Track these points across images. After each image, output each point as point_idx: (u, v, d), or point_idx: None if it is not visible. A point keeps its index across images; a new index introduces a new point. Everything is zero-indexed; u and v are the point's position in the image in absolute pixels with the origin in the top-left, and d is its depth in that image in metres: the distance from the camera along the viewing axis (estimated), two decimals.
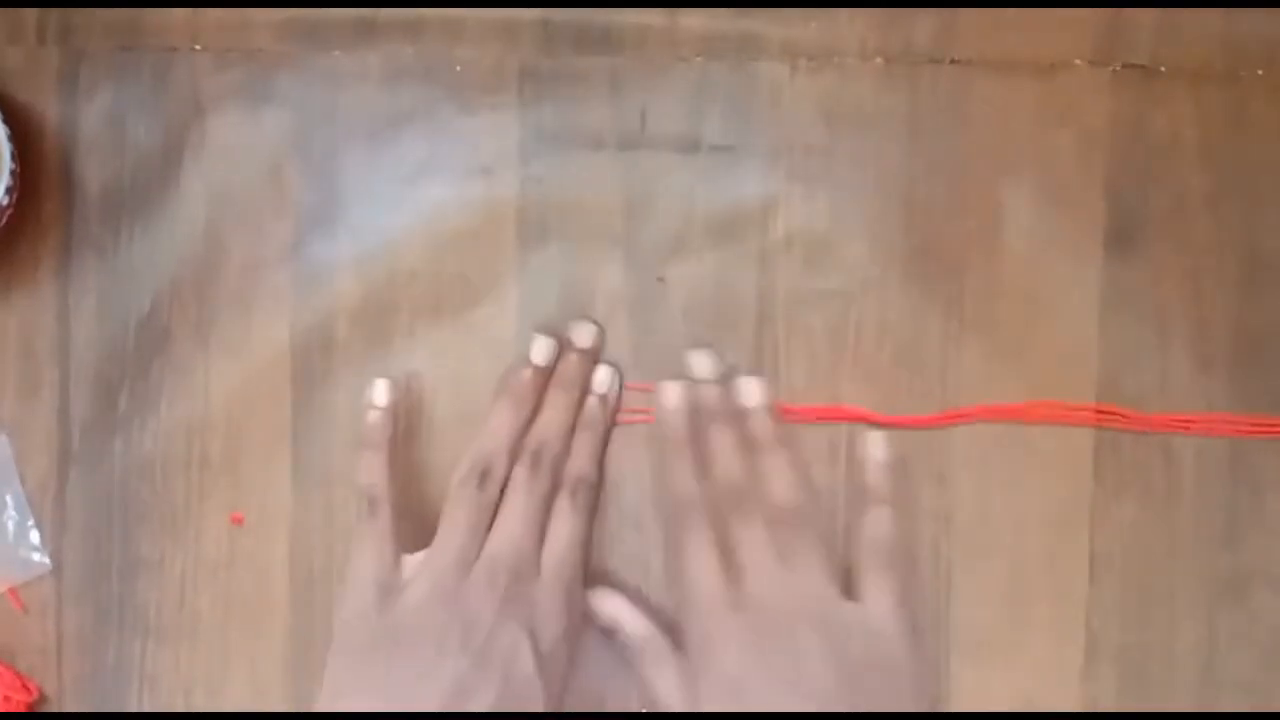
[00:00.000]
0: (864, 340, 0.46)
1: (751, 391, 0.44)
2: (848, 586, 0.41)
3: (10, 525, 0.47)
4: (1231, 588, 0.46)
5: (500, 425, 0.44)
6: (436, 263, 0.46)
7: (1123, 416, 0.45)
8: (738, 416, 0.44)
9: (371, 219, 0.46)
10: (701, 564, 0.41)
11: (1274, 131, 0.45)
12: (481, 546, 0.42)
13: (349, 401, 0.46)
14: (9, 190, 0.44)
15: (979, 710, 0.46)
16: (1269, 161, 0.45)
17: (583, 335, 0.45)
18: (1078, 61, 0.46)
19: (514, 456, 0.43)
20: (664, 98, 0.46)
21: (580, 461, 0.44)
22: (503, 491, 0.43)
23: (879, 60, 0.46)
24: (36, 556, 0.47)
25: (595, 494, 0.45)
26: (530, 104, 0.46)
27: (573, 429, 0.45)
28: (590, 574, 0.46)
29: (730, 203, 0.46)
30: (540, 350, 0.45)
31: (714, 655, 0.40)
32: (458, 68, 0.46)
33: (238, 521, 0.47)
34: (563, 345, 0.45)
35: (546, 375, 0.45)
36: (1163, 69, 0.45)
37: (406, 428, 0.46)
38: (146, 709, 0.47)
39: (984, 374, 0.46)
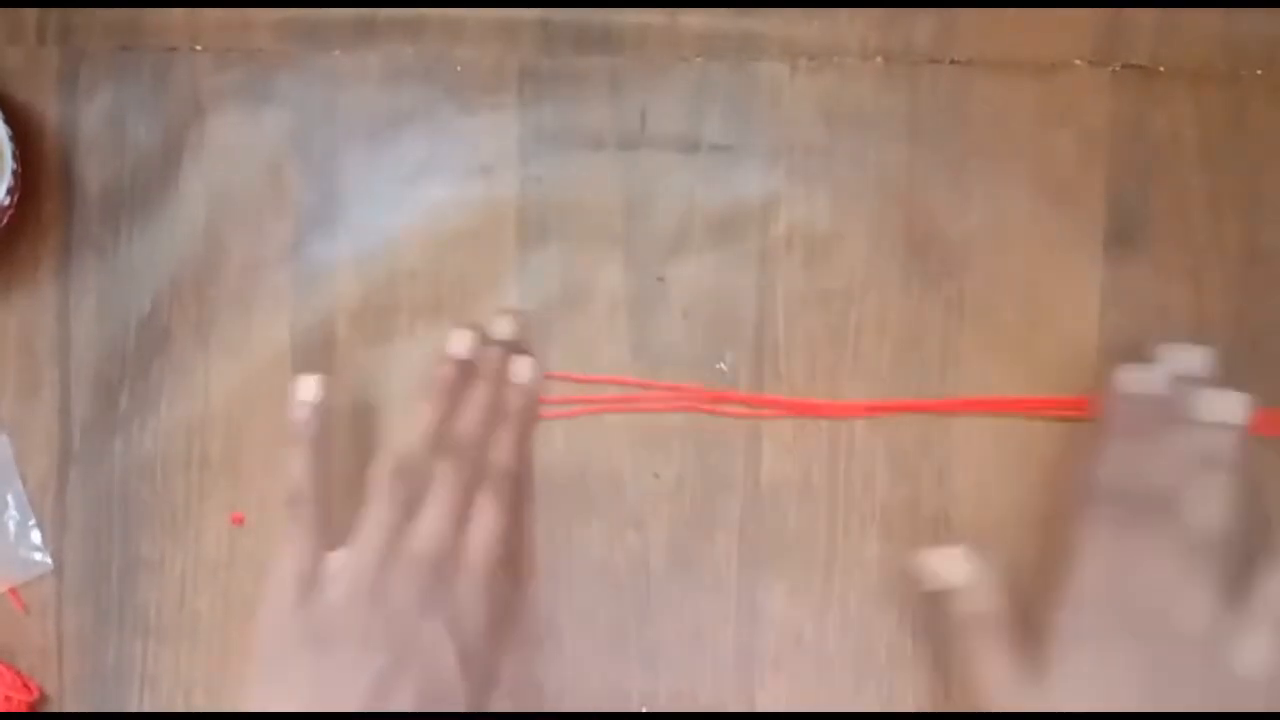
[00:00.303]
0: (864, 340, 0.46)
1: (1231, 408, 0.42)
2: (1234, 627, 0.40)
3: (10, 525, 0.47)
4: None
5: (421, 420, 0.43)
6: (436, 263, 0.46)
7: None
8: (1197, 425, 0.42)
9: (371, 219, 0.46)
10: (1096, 554, 0.40)
11: (1274, 131, 0.45)
12: (403, 542, 0.42)
13: (348, 402, 0.46)
14: (9, 190, 0.44)
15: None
16: (1269, 161, 0.45)
17: (502, 327, 0.45)
18: (1078, 61, 0.46)
19: (435, 451, 0.43)
20: (664, 98, 0.46)
21: (503, 454, 0.44)
22: (424, 486, 0.43)
23: (879, 60, 0.46)
24: (37, 556, 0.47)
25: (520, 486, 0.44)
26: (530, 104, 0.46)
27: (495, 421, 0.44)
28: (591, 572, 0.46)
29: (730, 203, 0.46)
30: (459, 344, 0.44)
31: (1076, 647, 0.39)
32: (458, 68, 0.46)
33: (238, 521, 0.47)
34: (484, 337, 0.45)
35: (467, 369, 0.44)
36: (1163, 69, 0.45)
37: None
38: (147, 709, 0.47)
39: (984, 373, 0.46)
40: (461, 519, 0.42)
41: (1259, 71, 0.45)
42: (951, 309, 0.46)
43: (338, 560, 0.41)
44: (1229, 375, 0.45)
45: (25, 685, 0.46)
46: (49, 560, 0.47)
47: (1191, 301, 0.45)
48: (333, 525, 0.42)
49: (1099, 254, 0.46)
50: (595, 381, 0.46)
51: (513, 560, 0.43)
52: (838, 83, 0.46)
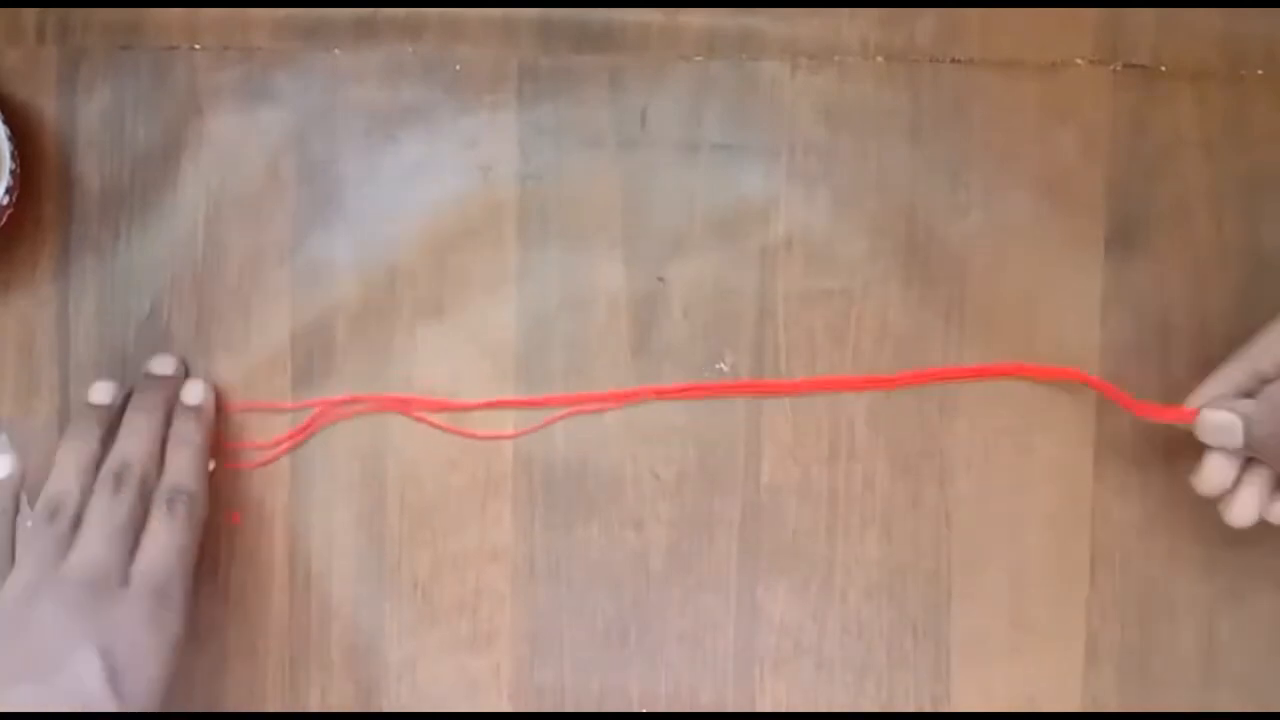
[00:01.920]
0: (864, 340, 0.46)
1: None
2: None
3: None
4: (1231, 588, 0.46)
5: (65, 464, 0.43)
6: (436, 263, 0.46)
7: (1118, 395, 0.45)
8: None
9: (371, 219, 0.46)
10: None
11: (1275, 131, 0.45)
12: (55, 572, 0.41)
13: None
14: (9, 190, 0.44)
15: (979, 710, 0.46)
16: (1270, 161, 0.45)
17: (162, 365, 0.46)
18: (1079, 61, 0.46)
19: (87, 489, 0.43)
20: (664, 97, 0.46)
21: (175, 475, 0.44)
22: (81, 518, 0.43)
23: (880, 59, 0.46)
24: None
25: (198, 505, 0.44)
26: (530, 103, 0.46)
27: (161, 449, 0.44)
28: (591, 572, 0.46)
29: (730, 202, 0.46)
30: (99, 393, 0.45)
31: None
32: (457, 67, 0.46)
33: (235, 520, 0.47)
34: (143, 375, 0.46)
35: (115, 411, 0.45)
36: (1164, 68, 0.45)
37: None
38: None
39: None
40: (124, 541, 0.42)
41: (1259, 71, 0.45)
42: (952, 308, 0.46)
43: None
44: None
45: None
46: None
47: (1192, 301, 0.45)
48: None
49: (1099, 254, 0.46)
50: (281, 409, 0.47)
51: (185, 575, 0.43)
52: (838, 82, 0.46)
